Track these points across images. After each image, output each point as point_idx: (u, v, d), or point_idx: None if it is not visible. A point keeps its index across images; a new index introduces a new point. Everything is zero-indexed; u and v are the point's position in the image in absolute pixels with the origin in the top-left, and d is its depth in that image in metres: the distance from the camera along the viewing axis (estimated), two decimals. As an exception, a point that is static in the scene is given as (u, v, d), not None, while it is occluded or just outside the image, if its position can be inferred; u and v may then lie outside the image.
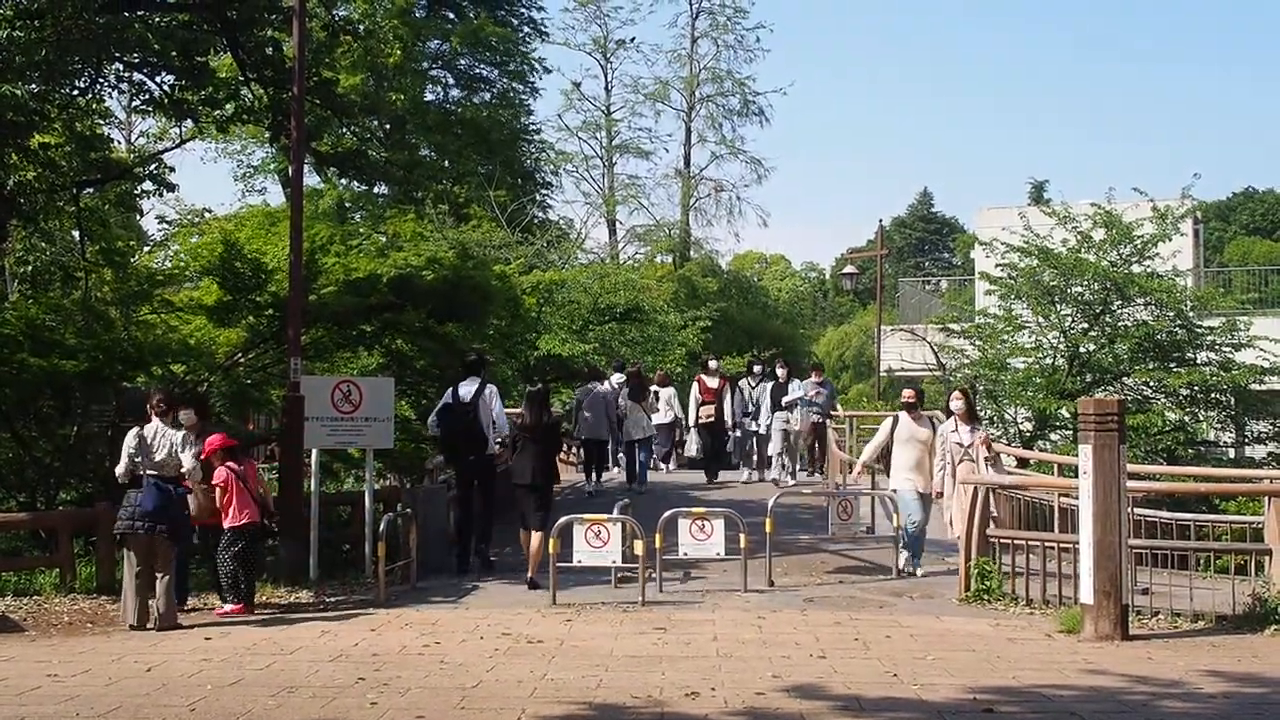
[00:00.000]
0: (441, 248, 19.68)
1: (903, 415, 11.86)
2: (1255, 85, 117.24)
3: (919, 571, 11.37)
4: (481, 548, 12.11)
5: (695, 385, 17.83)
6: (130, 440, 9.34)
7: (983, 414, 20.40)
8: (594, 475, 16.79)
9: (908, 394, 12.04)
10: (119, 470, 9.37)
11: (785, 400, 17.09)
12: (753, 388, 17.51)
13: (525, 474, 11.34)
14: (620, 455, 17.81)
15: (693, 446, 19.05)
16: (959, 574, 10.43)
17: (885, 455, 12.10)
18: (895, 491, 11.69)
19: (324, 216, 28.16)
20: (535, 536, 10.97)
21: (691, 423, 18.08)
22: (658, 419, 18.34)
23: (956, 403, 11.52)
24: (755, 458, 17.76)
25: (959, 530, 10.92)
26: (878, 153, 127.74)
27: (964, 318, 22.49)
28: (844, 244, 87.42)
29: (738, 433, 17.77)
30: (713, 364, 18.15)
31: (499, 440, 12.09)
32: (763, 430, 17.26)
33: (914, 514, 11.46)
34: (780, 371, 17.64)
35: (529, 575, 10.97)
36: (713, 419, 17.41)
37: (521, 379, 20.92)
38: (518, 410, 13.05)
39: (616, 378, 17.47)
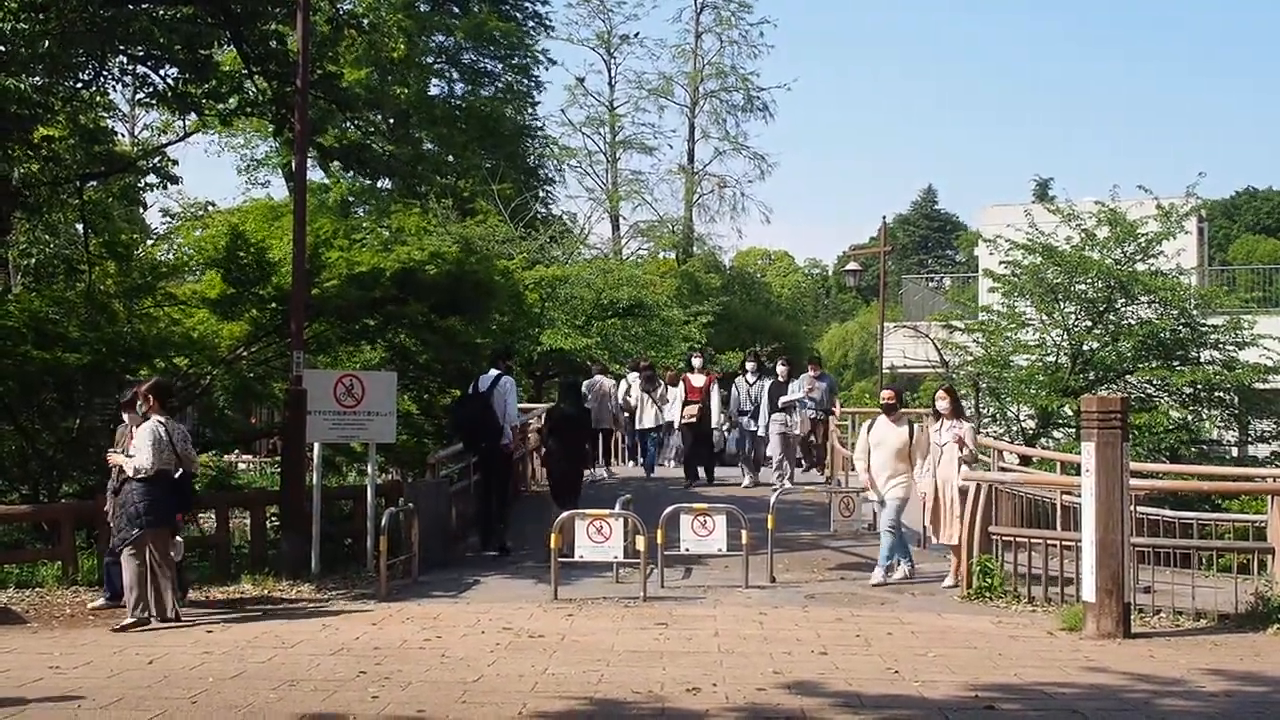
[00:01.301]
0: (445, 242, 19.69)
1: (880, 417, 11.51)
2: (1259, 83, 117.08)
3: (897, 574, 11.10)
4: (498, 531, 12.78)
5: (681, 383, 16.99)
6: (161, 433, 9.20)
7: (985, 411, 20.42)
8: (600, 463, 17.27)
9: (887, 395, 11.72)
10: (146, 464, 9.09)
11: (783, 401, 16.18)
12: (750, 385, 16.57)
13: (558, 460, 12.60)
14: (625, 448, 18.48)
15: (671, 449, 17.65)
16: (960, 571, 10.43)
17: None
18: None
19: (328, 210, 28.19)
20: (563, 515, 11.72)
21: (675, 423, 17.05)
22: (668, 416, 18.28)
23: (941, 402, 11.13)
24: (754, 460, 16.79)
25: (943, 535, 10.82)
26: (882, 149, 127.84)
27: (967, 315, 22.47)
28: (847, 241, 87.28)
29: (734, 432, 16.75)
30: (697, 361, 17.28)
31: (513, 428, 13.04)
32: (760, 431, 16.35)
33: (878, 519, 11.28)
34: (781, 369, 16.76)
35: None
36: (695, 419, 16.46)
37: (525, 374, 20.96)
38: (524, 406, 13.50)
39: (633, 376, 17.85)
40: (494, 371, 12.89)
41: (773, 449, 16.31)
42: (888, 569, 11.07)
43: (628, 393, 18.17)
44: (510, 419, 12.84)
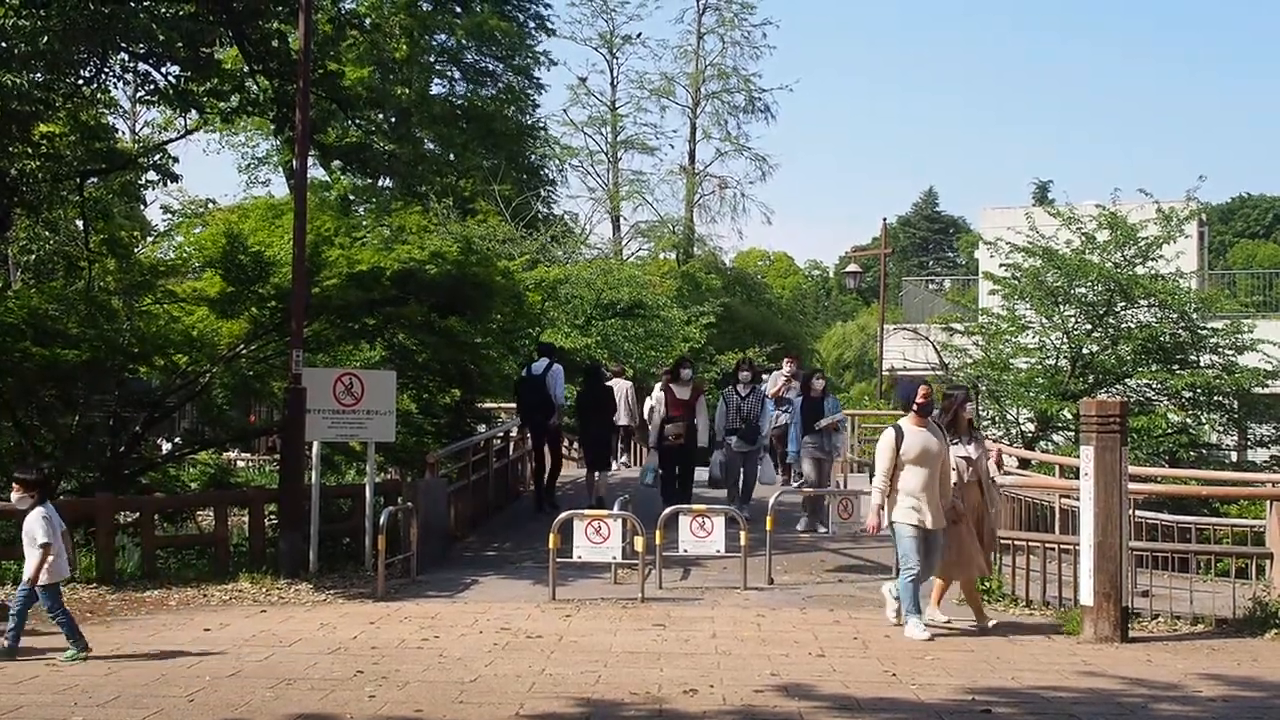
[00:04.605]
0: (446, 242, 19.67)
1: (907, 423, 8.82)
2: (1255, 88, 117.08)
3: (916, 633, 8.53)
4: (551, 494, 15.37)
5: (661, 395, 14.13)
6: None
7: (985, 414, 20.40)
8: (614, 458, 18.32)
9: (923, 391, 8.80)
10: None
11: (820, 424, 13.69)
12: (742, 398, 13.76)
13: (589, 436, 15.28)
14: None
15: (649, 474, 14.21)
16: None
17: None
18: (893, 525, 8.76)
19: (328, 208, 28.16)
20: (595, 476, 14.95)
21: (652, 443, 14.20)
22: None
23: (965, 403, 9.35)
24: (745, 488, 13.90)
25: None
26: (883, 151, 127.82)
27: (967, 317, 22.47)
28: (848, 242, 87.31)
29: (719, 454, 13.96)
30: (685, 372, 14.23)
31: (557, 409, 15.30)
32: (791, 458, 14.08)
33: (911, 559, 8.64)
34: (816, 384, 14.08)
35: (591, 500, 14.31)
36: (682, 440, 13.79)
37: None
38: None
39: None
40: (545, 360, 15.32)
41: (807, 475, 13.94)
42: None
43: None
44: (558, 401, 15.23)
